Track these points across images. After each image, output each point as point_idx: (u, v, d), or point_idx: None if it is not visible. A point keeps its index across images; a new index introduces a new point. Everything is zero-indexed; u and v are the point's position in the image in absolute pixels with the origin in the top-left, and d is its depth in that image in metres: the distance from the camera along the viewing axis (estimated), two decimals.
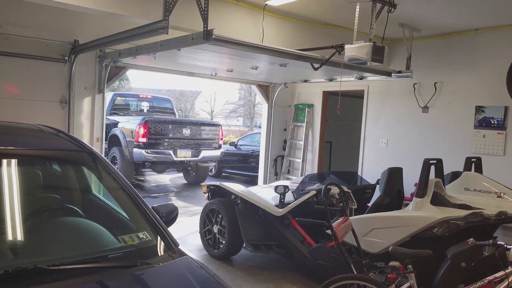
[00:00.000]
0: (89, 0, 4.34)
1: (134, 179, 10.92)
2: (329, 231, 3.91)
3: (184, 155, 9.77)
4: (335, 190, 4.61)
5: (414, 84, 7.08)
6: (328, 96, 8.86)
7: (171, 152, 9.43)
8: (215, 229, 5.46)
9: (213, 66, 7.03)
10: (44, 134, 2.71)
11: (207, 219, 5.61)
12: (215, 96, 35.25)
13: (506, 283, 3.05)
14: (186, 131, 9.78)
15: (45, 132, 2.74)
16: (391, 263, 3.16)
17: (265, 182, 9.25)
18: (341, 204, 4.29)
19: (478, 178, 4.65)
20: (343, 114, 6.50)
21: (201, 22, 3.99)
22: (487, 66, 6.28)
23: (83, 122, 6.52)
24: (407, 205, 4.29)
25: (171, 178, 12.01)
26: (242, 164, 12.11)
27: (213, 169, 12.74)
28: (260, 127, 16.06)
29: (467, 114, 6.48)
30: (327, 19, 6.32)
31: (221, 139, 10.71)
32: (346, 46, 4.83)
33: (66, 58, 6.14)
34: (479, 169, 5.10)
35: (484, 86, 6.32)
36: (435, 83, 6.84)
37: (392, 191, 4.83)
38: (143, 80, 49.56)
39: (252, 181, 11.14)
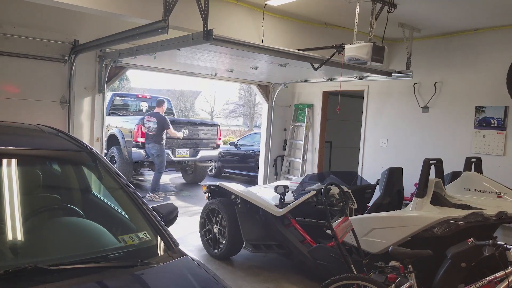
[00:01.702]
0: (89, 0, 4.34)
1: (133, 179, 10.91)
2: (329, 231, 3.91)
3: (182, 154, 9.77)
4: (335, 190, 4.61)
5: (414, 84, 7.08)
6: (328, 96, 8.86)
7: (169, 152, 9.42)
8: (215, 229, 5.45)
9: (213, 66, 7.02)
10: (44, 134, 2.71)
11: (207, 219, 5.61)
12: (215, 96, 35.35)
13: (506, 283, 3.05)
14: (184, 131, 9.77)
15: (45, 132, 2.74)
16: (391, 263, 3.16)
17: (265, 182, 9.24)
18: (341, 204, 4.28)
19: (478, 178, 4.64)
20: (343, 114, 6.49)
21: (201, 22, 3.99)
22: (487, 66, 6.28)
23: (83, 122, 6.52)
24: (407, 205, 4.29)
25: (171, 178, 12.01)
26: (242, 164, 12.11)
27: (213, 169, 12.74)
28: (260, 127, 16.06)
29: (467, 114, 6.48)
30: (327, 19, 6.32)
31: (219, 139, 10.70)
32: (346, 46, 4.83)
33: (66, 58, 6.14)
34: (479, 169, 5.10)
35: (484, 86, 6.32)
36: (435, 83, 6.84)
37: (392, 191, 4.83)
38: (143, 80, 49.65)
39: (252, 181, 11.14)
